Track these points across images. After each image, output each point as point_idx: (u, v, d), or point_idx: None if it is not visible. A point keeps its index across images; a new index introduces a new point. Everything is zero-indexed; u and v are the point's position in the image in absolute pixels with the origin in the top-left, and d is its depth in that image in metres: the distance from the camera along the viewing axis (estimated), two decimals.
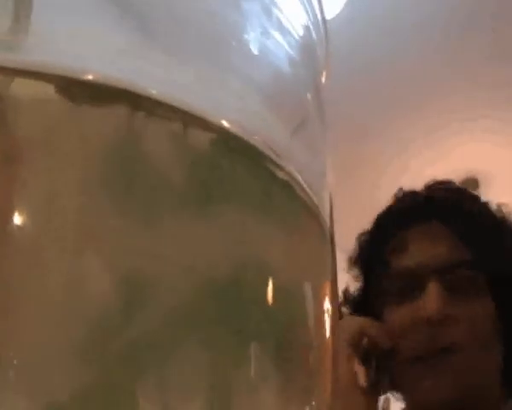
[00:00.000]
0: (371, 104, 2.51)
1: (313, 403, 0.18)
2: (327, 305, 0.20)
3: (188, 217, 0.16)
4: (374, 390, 0.76)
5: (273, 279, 0.17)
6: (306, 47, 0.23)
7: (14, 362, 0.12)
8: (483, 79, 2.35)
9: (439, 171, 2.90)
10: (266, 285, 0.17)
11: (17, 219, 0.14)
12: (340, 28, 2.02)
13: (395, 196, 0.87)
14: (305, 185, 0.19)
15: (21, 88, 0.16)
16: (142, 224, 0.15)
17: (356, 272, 0.87)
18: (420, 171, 2.77)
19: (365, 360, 0.74)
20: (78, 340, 0.13)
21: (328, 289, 0.20)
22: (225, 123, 0.17)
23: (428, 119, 2.56)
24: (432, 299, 0.72)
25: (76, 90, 0.16)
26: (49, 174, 0.15)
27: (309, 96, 0.23)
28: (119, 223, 0.15)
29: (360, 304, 0.83)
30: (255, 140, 0.17)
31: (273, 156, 0.18)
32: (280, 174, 0.18)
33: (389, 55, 2.29)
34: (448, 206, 0.80)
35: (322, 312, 0.19)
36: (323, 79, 0.25)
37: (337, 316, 0.21)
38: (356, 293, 0.85)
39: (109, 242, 0.14)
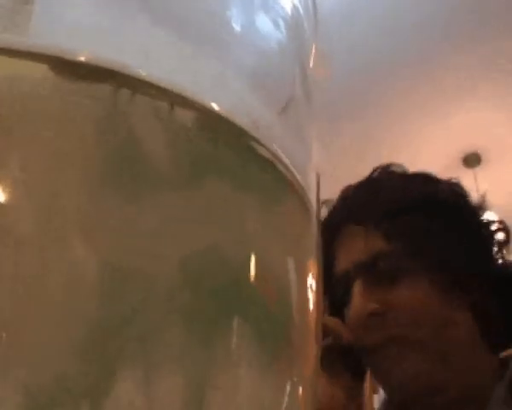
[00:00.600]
0: (370, 79, 2.50)
1: (295, 379, 0.19)
2: (310, 280, 0.20)
3: (171, 193, 0.16)
4: (354, 393, 0.77)
5: (254, 253, 0.17)
6: (294, 25, 0.23)
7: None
8: (482, 54, 2.33)
9: (440, 147, 2.90)
10: (247, 259, 0.17)
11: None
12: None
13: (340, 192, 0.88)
14: (289, 164, 0.19)
15: (17, 68, 0.16)
16: (126, 198, 0.16)
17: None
18: (421, 147, 2.77)
19: (335, 360, 0.76)
20: (63, 327, 0.13)
21: (311, 266, 0.20)
22: (209, 103, 0.17)
23: (428, 94, 2.55)
24: (353, 300, 0.73)
25: (68, 69, 0.17)
26: (33, 146, 0.15)
27: (296, 74, 0.23)
28: (103, 199, 0.15)
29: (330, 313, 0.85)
30: (239, 119, 0.18)
31: (256, 135, 0.18)
32: (263, 152, 0.18)
33: (388, 32, 2.28)
34: (356, 205, 0.80)
35: (305, 287, 0.20)
36: (312, 57, 0.25)
37: (321, 292, 0.21)
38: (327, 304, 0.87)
39: (93, 223, 0.15)
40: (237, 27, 0.20)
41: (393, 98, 2.62)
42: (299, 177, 0.20)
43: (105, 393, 0.14)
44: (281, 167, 0.19)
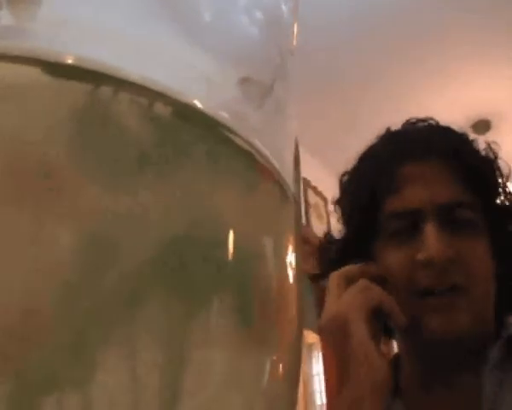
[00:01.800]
0: (377, 48, 2.49)
1: (274, 354, 0.20)
2: (289, 258, 0.21)
3: (149, 178, 0.18)
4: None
5: (230, 232, 0.19)
6: (270, 10, 0.24)
7: None
8: (493, 21, 2.31)
9: (449, 114, 2.89)
10: (224, 238, 0.19)
11: None
12: None
13: (384, 132, 0.84)
14: (263, 150, 0.20)
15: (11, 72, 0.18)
16: (106, 183, 0.17)
17: (341, 213, 0.84)
18: (430, 115, 2.76)
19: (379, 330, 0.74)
20: (47, 300, 0.15)
21: (289, 244, 0.22)
22: (186, 97, 0.19)
23: (437, 62, 2.53)
24: (431, 241, 0.71)
25: (59, 70, 0.18)
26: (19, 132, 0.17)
27: (274, 60, 0.24)
28: (84, 182, 0.17)
29: (349, 248, 0.81)
30: (214, 112, 0.19)
31: (231, 125, 0.19)
32: (237, 141, 0.19)
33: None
34: (449, 145, 0.77)
35: (284, 263, 0.21)
36: (293, 37, 0.26)
37: (301, 268, 0.22)
38: (343, 236, 0.83)
39: (74, 202, 0.16)
40: (210, 16, 0.21)
41: (403, 67, 2.61)
42: (274, 161, 0.21)
43: (86, 365, 0.15)
44: (255, 154, 0.20)
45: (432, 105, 2.69)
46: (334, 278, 0.76)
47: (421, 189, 0.74)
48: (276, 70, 0.24)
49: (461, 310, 0.71)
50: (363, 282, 0.74)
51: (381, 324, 0.75)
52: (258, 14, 0.24)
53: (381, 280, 0.74)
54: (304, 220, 2.74)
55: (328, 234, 0.87)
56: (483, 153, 0.80)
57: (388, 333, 0.80)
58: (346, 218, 0.83)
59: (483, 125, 2.94)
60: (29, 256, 0.15)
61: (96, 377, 0.15)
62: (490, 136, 2.92)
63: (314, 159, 2.84)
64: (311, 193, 2.90)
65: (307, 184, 2.87)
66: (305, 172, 2.77)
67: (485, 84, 2.70)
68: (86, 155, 0.17)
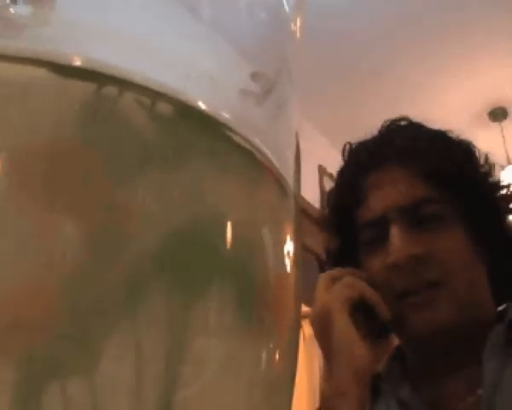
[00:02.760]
0: (393, 35, 2.47)
1: (272, 343, 0.21)
2: (287, 251, 0.22)
3: (152, 174, 0.19)
4: (379, 336, 0.78)
5: (229, 228, 0.20)
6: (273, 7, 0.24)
7: None
8: (509, 7, 2.29)
9: (466, 102, 2.86)
10: (223, 234, 0.19)
11: None
12: None
13: (349, 147, 0.86)
14: (263, 148, 0.21)
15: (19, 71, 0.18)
16: (111, 179, 0.18)
17: (329, 231, 0.87)
18: (447, 102, 2.74)
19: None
20: (52, 290, 0.16)
21: (288, 238, 0.22)
22: (188, 97, 0.20)
23: (454, 49, 2.51)
24: (394, 244, 0.73)
25: (65, 71, 0.19)
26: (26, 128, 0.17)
27: (278, 58, 0.25)
28: (89, 177, 0.18)
29: (340, 260, 0.84)
30: (216, 111, 0.20)
31: (231, 125, 0.20)
32: (237, 139, 0.20)
33: None
34: (402, 146, 0.78)
35: (282, 254, 0.22)
36: (297, 29, 0.27)
37: (299, 259, 0.23)
38: (335, 249, 0.86)
39: (79, 197, 0.17)
40: (212, 13, 0.22)
41: (420, 54, 2.59)
42: (273, 158, 0.22)
43: (92, 349, 0.16)
44: (255, 152, 0.21)
45: (448, 92, 2.68)
46: (322, 277, 0.79)
47: (383, 195, 0.77)
48: (279, 66, 0.25)
49: (440, 304, 0.72)
50: (347, 278, 0.77)
51: (369, 316, 0.77)
52: (262, 10, 0.24)
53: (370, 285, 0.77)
54: (319, 207, 2.74)
55: (326, 248, 0.90)
56: (458, 148, 0.80)
57: (386, 329, 0.81)
58: (332, 232, 0.86)
59: (500, 113, 2.91)
60: (35, 248, 0.16)
61: (99, 365, 0.16)
62: (507, 123, 2.89)
63: (330, 145, 2.84)
64: (327, 180, 2.90)
65: (323, 171, 2.87)
66: (322, 159, 2.76)
67: (502, 72, 2.68)
68: (91, 152, 0.18)
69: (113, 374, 0.16)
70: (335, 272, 0.79)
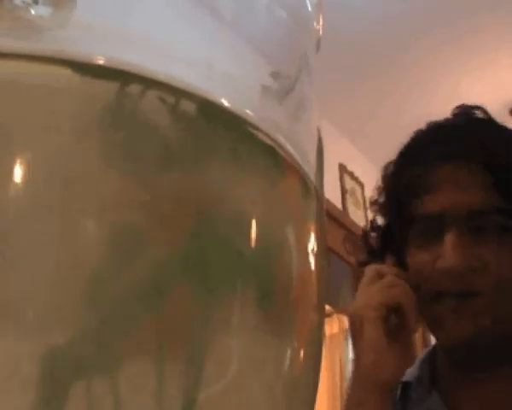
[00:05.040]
0: (412, 31, 2.46)
1: (295, 341, 0.21)
2: (310, 248, 0.22)
3: (174, 172, 0.19)
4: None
5: (251, 226, 0.20)
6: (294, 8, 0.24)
7: (16, 310, 0.15)
8: None
9: (487, 99, 2.83)
10: (245, 231, 0.19)
11: (17, 175, 0.16)
12: None
13: (422, 128, 0.82)
14: (286, 145, 0.21)
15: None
16: (133, 176, 0.18)
17: (381, 204, 0.84)
18: (468, 98, 2.72)
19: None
20: (76, 290, 0.16)
21: (311, 235, 0.22)
22: (211, 95, 0.19)
23: (474, 43, 2.49)
24: (448, 252, 0.69)
25: (89, 71, 0.19)
26: (49, 131, 0.18)
27: (299, 56, 0.24)
28: (112, 175, 0.18)
29: (388, 239, 0.81)
30: (239, 109, 0.20)
31: (254, 121, 0.20)
32: (260, 136, 0.20)
33: None
34: (483, 147, 0.74)
35: (305, 254, 0.22)
36: (319, 28, 0.27)
37: (324, 259, 0.23)
38: (383, 226, 0.83)
39: (102, 195, 0.17)
40: (233, 13, 0.22)
41: (439, 52, 2.57)
42: (296, 155, 0.21)
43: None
44: (278, 149, 0.21)
45: (468, 88, 2.65)
46: (369, 270, 0.77)
47: (446, 194, 0.72)
48: (300, 66, 0.25)
49: (476, 313, 0.70)
50: (389, 278, 0.74)
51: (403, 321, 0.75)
52: (283, 10, 0.24)
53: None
54: (340, 206, 2.73)
55: (372, 221, 0.87)
56: None
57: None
58: (385, 210, 0.83)
59: None
60: (57, 247, 0.16)
61: (122, 364, 0.16)
62: None
63: (350, 144, 2.83)
64: (347, 178, 2.89)
65: (343, 169, 2.86)
66: (342, 157, 2.76)
67: None
68: (115, 150, 0.18)
69: (136, 373, 0.16)
70: (383, 267, 0.77)
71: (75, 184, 0.17)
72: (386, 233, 0.82)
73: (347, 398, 0.73)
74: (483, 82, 2.69)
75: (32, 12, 0.21)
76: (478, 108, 0.81)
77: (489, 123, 0.79)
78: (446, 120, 0.80)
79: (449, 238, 0.70)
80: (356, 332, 0.73)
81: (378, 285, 0.74)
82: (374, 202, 0.84)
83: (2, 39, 0.18)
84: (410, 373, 0.80)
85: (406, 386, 0.78)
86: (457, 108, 0.82)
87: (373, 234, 0.85)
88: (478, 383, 0.74)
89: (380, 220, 0.85)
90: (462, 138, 0.74)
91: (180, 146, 0.19)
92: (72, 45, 0.19)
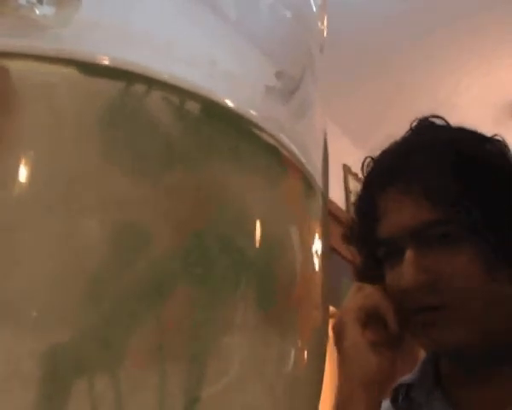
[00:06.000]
0: (415, 31, 2.45)
1: (297, 344, 0.21)
2: (313, 248, 0.22)
3: (177, 171, 0.19)
4: (396, 342, 0.78)
5: (252, 225, 0.19)
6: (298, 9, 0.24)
7: (18, 309, 0.15)
8: None
9: (489, 99, 2.83)
10: (249, 231, 0.19)
11: (21, 173, 0.16)
12: None
13: (368, 161, 0.86)
14: (289, 145, 0.21)
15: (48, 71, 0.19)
16: (136, 175, 0.18)
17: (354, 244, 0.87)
18: (470, 99, 2.72)
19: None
20: (77, 288, 0.16)
21: (314, 235, 0.22)
22: (215, 95, 0.19)
23: (476, 43, 2.49)
24: (404, 269, 0.72)
25: (94, 70, 0.19)
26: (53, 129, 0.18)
27: (303, 57, 0.24)
28: (115, 173, 0.18)
29: (364, 274, 0.84)
30: (241, 108, 0.20)
31: (257, 121, 0.20)
32: (263, 136, 0.20)
33: None
34: (406, 166, 0.77)
35: (308, 255, 0.22)
36: (323, 29, 0.27)
37: (327, 259, 0.23)
38: (360, 264, 0.87)
39: (105, 193, 0.17)
40: (237, 13, 0.22)
41: (441, 53, 2.57)
42: (300, 155, 0.21)
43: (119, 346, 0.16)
44: (280, 148, 0.21)
45: (470, 87, 2.65)
46: (352, 287, 0.80)
47: (394, 217, 0.76)
48: (304, 66, 0.25)
49: (447, 326, 0.72)
50: (368, 288, 0.77)
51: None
52: (287, 10, 0.24)
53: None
54: (344, 207, 2.73)
55: (354, 264, 0.91)
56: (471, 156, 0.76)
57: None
58: (356, 243, 0.86)
59: None
60: (59, 246, 0.16)
61: (122, 363, 0.16)
62: None
63: (354, 145, 2.83)
64: (351, 179, 2.89)
65: (348, 170, 2.86)
66: (346, 158, 2.75)
67: None
68: (118, 149, 0.18)
69: (138, 371, 0.16)
70: (364, 284, 0.80)
71: (78, 183, 0.17)
72: (363, 270, 0.85)
73: (336, 393, 0.75)
74: (483, 82, 2.69)
75: (37, 12, 0.21)
76: (437, 117, 0.84)
77: (427, 139, 0.81)
78: (396, 144, 0.83)
79: (405, 257, 0.73)
80: (338, 334, 0.76)
81: (358, 295, 0.78)
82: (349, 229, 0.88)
83: (7, 39, 0.18)
84: (412, 375, 0.81)
85: (409, 388, 0.79)
86: (416, 121, 0.85)
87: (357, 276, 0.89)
88: (480, 383, 0.74)
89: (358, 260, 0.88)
90: (398, 162, 0.77)
91: (183, 145, 0.19)
92: (76, 44, 0.19)
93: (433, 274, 0.72)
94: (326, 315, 0.23)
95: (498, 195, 0.74)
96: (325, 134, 0.25)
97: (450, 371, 0.79)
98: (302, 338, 0.21)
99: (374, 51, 2.58)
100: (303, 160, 0.22)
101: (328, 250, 0.24)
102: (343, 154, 2.72)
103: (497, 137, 0.82)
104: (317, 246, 0.23)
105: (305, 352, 0.21)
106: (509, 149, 0.80)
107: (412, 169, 0.76)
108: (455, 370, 0.78)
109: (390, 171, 0.78)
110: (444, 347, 0.73)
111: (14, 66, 0.18)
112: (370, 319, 0.76)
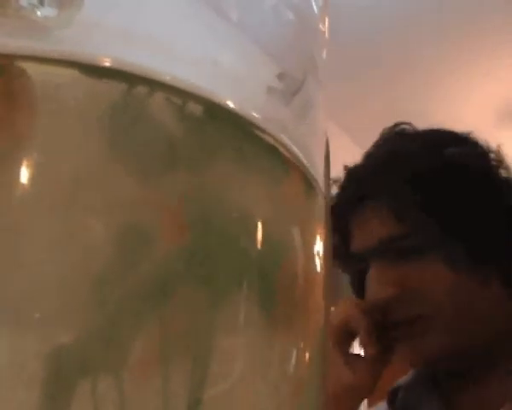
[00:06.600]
0: (414, 35, 2.46)
1: (301, 343, 0.21)
2: (315, 251, 0.22)
3: (180, 172, 0.19)
4: (381, 358, 0.78)
5: (255, 226, 0.20)
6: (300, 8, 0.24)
7: (22, 309, 0.15)
8: None
9: (488, 101, 2.83)
10: (251, 232, 0.19)
11: (23, 175, 0.16)
12: None
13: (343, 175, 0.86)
14: (291, 147, 0.21)
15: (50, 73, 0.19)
16: (140, 176, 0.18)
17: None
18: (469, 103, 2.72)
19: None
20: (82, 289, 0.16)
21: (316, 237, 0.22)
22: (217, 97, 0.20)
23: (476, 48, 2.49)
24: (371, 285, 0.74)
25: (96, 72, 0.19)
26: (57, 132, 0.18)
27: (306, 57, 0.25)
28: (119, 175, 0.18)
29: (352, 288, 0.85)
30: (243, 110, 0.20)
31: (259, 122, 0.20)
32: (265, 137, 0.20)
33: None
34: (365, 183, 0.78)
35: (310, 257, 0.22)
36: (324, 29, 0.27)
37: (330, 258, 0.23)
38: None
39: (108, 194, 0.17)
40: (239, 14, 0.22)
41: (442, 54, 2.57)
42: (302, 157, 0.22)
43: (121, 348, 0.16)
44: (283, 150, 0.21)
45: (470, 87, 2.65)
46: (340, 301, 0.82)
47: (361, 234, 0.78)
48: (306, 67, 0.25)
49: (423, 338, 0.72)
50: (342, 303, 0.79)
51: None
52: (289, 11, 0.24)
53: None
54: None
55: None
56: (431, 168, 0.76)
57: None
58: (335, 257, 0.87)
59: None
60: (63, 247, 0.16)
61: (127, 363, 0.16)
62: None
63: (354, 145, 2.83)
64: None
65: None
66: (346, 158, 2.76)
67: None
68: (121, 150, 0.18)
69: (142, 372, 0.16)
70: (345, 300, 0.81)
71: (82, 184, 0.17)
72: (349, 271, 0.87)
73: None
74: (483, 82, 2.69)
75: (38, 13, 0.21)
76: (407, 123, 0.85)
77: (392, 153, 0.82)
78: (364, 157, 0.84)
79: (370, 274, 0.75)
80: None
81: (333, 311, 0.79)
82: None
83: (8, 39, 0.19)
84: (407, 377, 0.82)
85: (405, 390, 0.80)
86: (386, 129, 0.86)
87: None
88: (472, 385, 0.75)
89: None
90: (362, 179, 0.79)
91: (186, 146, 0.19)
92: (78, 46, 0.19)
93: (401, 286, 0.73)
94: (328, 316, 0.23)
95: (461, 201, 0.74)
96: (327, 137, 0.25)
97: (444, 374, 0.79)
98: (305, 339, 0.22)
99: (375, 51, 2.58)
100: (305, 161, 0.22)
101: (331, 251, 0.24)
102: (343, 154, 2.72)
103: (472, 137, 0.81)
104: (320, 247, 0.23)
105: (309, 353, 0.22)
106: (484, 147, 0.80)
107: (375, 184, 0.76)
108: (447, 373, 0.79)
109: (357, 186, 0.79)
110: (422, 359, 0.73)
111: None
112: (346, 333, 0.77)
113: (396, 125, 0.85)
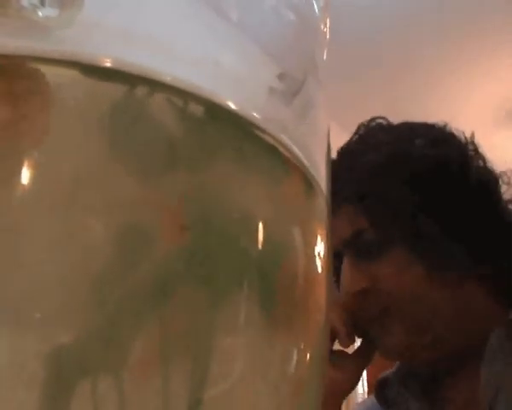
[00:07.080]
0: (415, 34, 2.46)
1: (301, 344, 0.21)
2: (316, 251, 0.22)
3: (180, 172, 0.19)
4: (364, 353, 0.79)
5: (255, 226, 0.20)
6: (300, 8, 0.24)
7: (22, 309, 0.15)
8: None
9: (488, 100, 2.83)
10: (252, 232, 0.19)
11: (24, 174, 0.16)
12: None
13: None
14: (292, 147, 0.21)
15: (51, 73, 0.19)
16: (140, 176, 0.18)
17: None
18: (469, 101, 2.72)
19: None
20: (82, 289, 0.16)
21: (316, 237, 0.22)
22: (218, 97, 0.20)
23: (476, 48, 2.49)
24: (342, 281, 0.75)
25: (96, 72, 0.19)
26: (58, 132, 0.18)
27: (306, 58, 0.25)
28: (119, 175, 0.18)
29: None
30: (244, 110, 0.20)
31: (259, 123, 0.20)
32: (265, 138, 0.20)
33: None
34: (336, 182, 0.79)
35: (310, 257, 0.22)
36: (326, 31, 0.27)
37: (330, 258, 0.23)
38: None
39: (108, 194, 0.17)
40: (239, 14, 0.22)
41: (442, 54, 2.57)
42: (303, 157, 0.22)
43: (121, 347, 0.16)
44: (283, 150, 0.21)
45: (470, 87, 2.65)
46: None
47: (335, 229, 0.77)
48: (307, 67, 0.25)
49: (392, 330, 0.73)
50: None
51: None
52: (290, 11, 0.24)
53: None
54: None
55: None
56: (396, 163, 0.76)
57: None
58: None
59: None
60: (63, 247, 0.16)
61: (127, 363, 0.16)
62: None
63: None
64: None
65: None
66: None
67: None
68: (122, 150, 0.18)
69: (142, 372, 0.16)
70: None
71: (82, 184, 0.17)
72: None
73: None
74: (484, 82, 2.69)
75: (39, 13, 0.21)
76: (381, 118, 0.85)
77: (360, 147, 0.83)
78: (340, 152, 0.84)
79: (344, 266, 0.75)
80: None
81: None
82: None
83: (8, 39, 0.19)
84: (392, 369, 0.82)
85: (388, 382, 0.80)
86: (360, 126, 0.86)
87: None
88: (449, 381, 0.76)
89: None
90: (340, 176, 0.78)
91: (186, 146, 0.19)
92: (79, 46, 0.19)
93: (369, 280, 0.73)
94: (328, 316, 0.23)
95: (429, 196, 0.74)
96: (329, 137, 0.25)
97: (423, 369, 0.80)
98: (305, 339, 0.22)
99: (375, 51, 2.58)
100: (305, 161, 0.22)
101: (330, 251, 0.24)
102: None
103: (447, 127, 0.80)
104: (320, 247, 0.23)
105: (309, 353, 0.22)
106: (461, 138, 0.79)
107: (347, 180, 0.77)
108: (426, 368, 0.79)
109: (333, 181, 0.79)
110: (392, 354, 0.74)
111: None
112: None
113: (371, 119, 0.86)
